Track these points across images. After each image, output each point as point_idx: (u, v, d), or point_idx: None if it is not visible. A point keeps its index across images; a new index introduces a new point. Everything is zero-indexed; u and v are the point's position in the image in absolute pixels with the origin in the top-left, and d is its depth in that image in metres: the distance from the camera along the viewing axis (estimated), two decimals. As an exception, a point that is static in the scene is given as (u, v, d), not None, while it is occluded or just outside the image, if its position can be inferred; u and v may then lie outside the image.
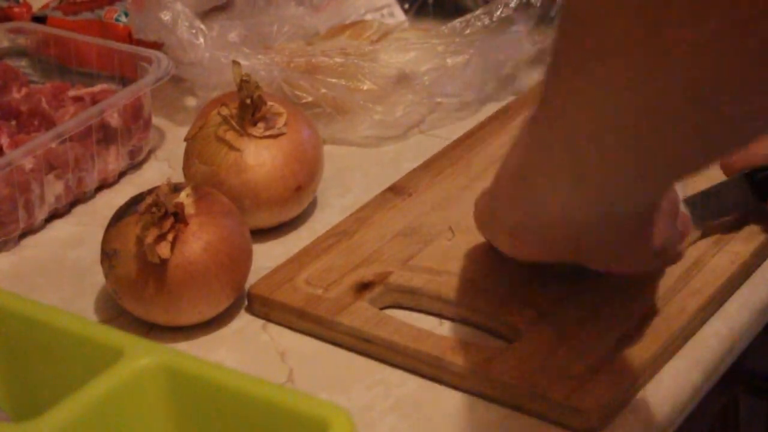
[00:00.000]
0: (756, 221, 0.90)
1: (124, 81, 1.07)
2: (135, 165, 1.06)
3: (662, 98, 0.58)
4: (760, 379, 0.98)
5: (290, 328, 0.86)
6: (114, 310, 0.88)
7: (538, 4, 1.12)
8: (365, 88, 1.06)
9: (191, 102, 1.14)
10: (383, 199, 0.96)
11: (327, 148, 1.01)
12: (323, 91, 1.06)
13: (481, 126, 1.06)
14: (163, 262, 0.83)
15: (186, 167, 0.95)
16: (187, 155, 0.95)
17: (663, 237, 0.78)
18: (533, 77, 1.15)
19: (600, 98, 0.61)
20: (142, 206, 0.84)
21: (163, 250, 0.82)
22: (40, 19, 1.18)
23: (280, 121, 0.94)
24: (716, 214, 0.90)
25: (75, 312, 0.87)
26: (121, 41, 1.12)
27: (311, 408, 0.66)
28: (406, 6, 1.23)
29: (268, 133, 0.93)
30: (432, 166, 1.00)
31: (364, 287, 0.87)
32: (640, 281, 0.85)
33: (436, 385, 0.81)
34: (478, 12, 1.13)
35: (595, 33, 0.58)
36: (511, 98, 1.11)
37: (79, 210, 1.01)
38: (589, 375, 0.78)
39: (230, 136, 0.93)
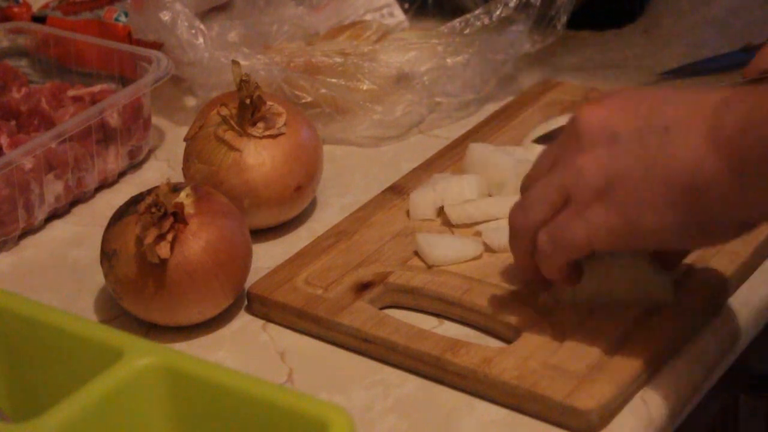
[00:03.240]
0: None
1: (124, 81, 1.07)
2: (135, 165, 1.06)
3: None
4: (760, 379, 0.98)
5: (290, 328, 0.86)
6: (114, 310, 0.89)
7: (538, 4, 1.12)
8: (365, 88, 1.07)
9: (191, 102, 1.14)
10: (383, 198, 0.97)
11: (326, 148, 1.01)
12: (323, 91, 1.06)
13: (481, 126, 1.06)
14: (163, 262, 0.83)
15: (186, 167, 0.95)
16: (187, 155, 0.95)
17: None
18: (533, 77, 1.15)
19: None
20: (142, 206, 0.84)
21: (163, 250, 0.82)
22: (40, 19, 1.19)
23: (280, 121, 0.94)
24: None
25: (75, 312, 0.87)
26: (121, 41, 1.12)
27: (311, 408, 0.66)
28: (406, 6, 1.23)
29: (267, 133, 0.93)
30: (431, 165, 1.00)
31: (363, 287, 0.87)
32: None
33: (436, 385, 0.81)
34: (477, 12, 1.13)
35: None
36: (510, 98, 1.11)
37: (79, 210, 1.01)
38: (588, 375, 0.78)
39: (230, 136, 0.93)
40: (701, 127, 0.73)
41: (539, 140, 0.88)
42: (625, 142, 0.75)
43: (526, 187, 0.81)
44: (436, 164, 1.00)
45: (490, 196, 0.94)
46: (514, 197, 0.92)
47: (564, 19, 1.13)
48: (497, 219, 0.91)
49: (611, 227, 0.76)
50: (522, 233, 0.80)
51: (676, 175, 0.73)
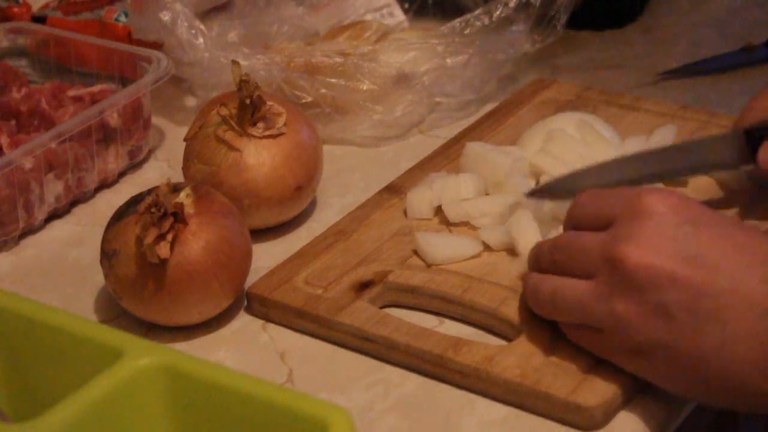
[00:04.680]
0: (757, 214, 0.90)
1: (124, 81, 1.07)
2: (135, 165, 1.06)
3: None
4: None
5: (290, 327, 0.86)
6: (114, 310, 0.89)
7: (538, 4, 1.12)
8: (365, 88, 1.06)
9: (191, 102, 1.14)
10: (380, 198, 0.96)
11: (326, 148, 1.01)
12: (323, 91, 1.06)
13: (477, 124, 1.06)
14: (163, 262, 0.83)
15: (186, 167, 0.95)
16: (187, 155, 0.95)
17: None
18: (533, 77, 1.15)
19: None
20: (142, 206, 0.84)
21: (163, 250, 0.82)
22: (40, 19, 1.19)
23: (280, 121, 0.94)
24: (687, 169, 0.90)
25: (75, 312, 0.87)
26: (121, 41, 1.12)
27: (311, 408, 0.66)
28: (406, 6, 1.23)
29: (267, 133, 0.93)
30: (427, 165, 1.00)
31: (363, 286, 0.87)
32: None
33: (437, 384, 0.81)
34: (477, 12, 1.13)
35: None
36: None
37: (79, 210, 1.01)
38: (591, 372, 0.78)
39: (230, 136, 0.93)
40: (760, 333, 0.71)
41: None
42: (678, 321, 0.73)
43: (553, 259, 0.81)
44: (432, 163, 1.00)
45: (487, 194, 0.94)
46: (511, 195, 0.92)
47: (564, 19, 1.13)
48: (495, 217, 0.91)
49: (635, 371, 0.77)
50: (544, 315, 0.81)
51: (733, 377, 0.72)
